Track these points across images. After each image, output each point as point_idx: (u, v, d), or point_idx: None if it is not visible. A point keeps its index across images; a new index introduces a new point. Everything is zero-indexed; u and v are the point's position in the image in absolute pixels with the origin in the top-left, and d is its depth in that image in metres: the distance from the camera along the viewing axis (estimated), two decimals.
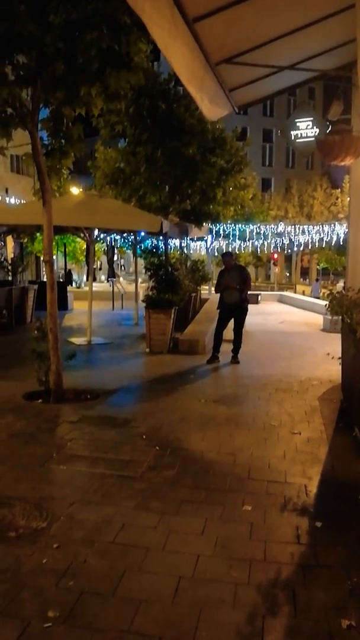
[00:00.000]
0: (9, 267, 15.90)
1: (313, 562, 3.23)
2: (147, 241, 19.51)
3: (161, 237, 15.10)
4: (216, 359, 9.25)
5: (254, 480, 4.42)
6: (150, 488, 4.20)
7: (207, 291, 20.37)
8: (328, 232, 23.35)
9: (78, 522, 3.63)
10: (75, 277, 34.09)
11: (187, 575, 3.05)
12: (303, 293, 32.13)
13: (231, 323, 9.48)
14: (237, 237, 24.37)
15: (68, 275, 32.66)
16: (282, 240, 25.14)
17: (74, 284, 31.23)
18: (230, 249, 25.67)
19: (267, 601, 2.84)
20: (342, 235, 22.76)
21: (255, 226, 24.94)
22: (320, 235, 23.58)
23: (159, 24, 4.01)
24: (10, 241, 22.98)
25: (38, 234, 17.27)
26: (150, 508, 3.86)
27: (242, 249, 26.78)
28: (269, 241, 25.12)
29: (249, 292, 9.50)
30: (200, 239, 22.46)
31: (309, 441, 5.40)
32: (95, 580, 2.99)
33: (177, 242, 20.03)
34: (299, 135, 7.90)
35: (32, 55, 5.85)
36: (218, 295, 9.61)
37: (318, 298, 23.89)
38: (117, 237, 20.59)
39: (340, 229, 22.86)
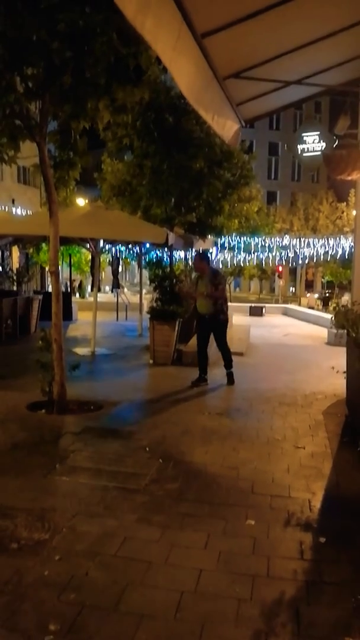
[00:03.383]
0: (14, 277, 15.97)
1: (317, 578, 3.20)
2: (152, 253, 19.57)
3: (166, 249, 15.15)
4: (203, 380, 8.49)
5: (258, 494, 4.39)
6: (153, 501, 4.18)
7: None
8: (333, 245, 23.39)
9: (80, 534, 3.61)
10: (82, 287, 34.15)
11: (189, 590, 3.03)
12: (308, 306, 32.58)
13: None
14: (242, 249, 24.42)
15: (79, 286, 32.73)
16: (287, 253, 25.18)
17: (86, 294, 31.21)
18: (235, 261, 25.72)
19: (270, 618, 2.80)
20: (347, 249, 22.79)
21: (260, 239, 25.00)
22: (325, 248, 23.61)
23: (162, 40, 4.00)
24: (15, 251, 23.09)
25: (43, 245, 17.38)
26: (152, 521, 3.83)
27: (247, 261, 26.83)
28: (273, 254, 25.16)
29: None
30: (205, 251, 22.52)
31: (313, 456, 5.37)
32: (97, 594, 2.96)
33: (182, 253, 20.09)
34: (306, 149, 7.94)
35: (41, 66, 5.89)
36: (208, 306, 8.42)
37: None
38: (122, 249, 20.66)
39: (346, 243, 22.91)
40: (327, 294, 40.68)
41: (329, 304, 34.93)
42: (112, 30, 5.44)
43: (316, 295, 37.16)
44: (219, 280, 8.55)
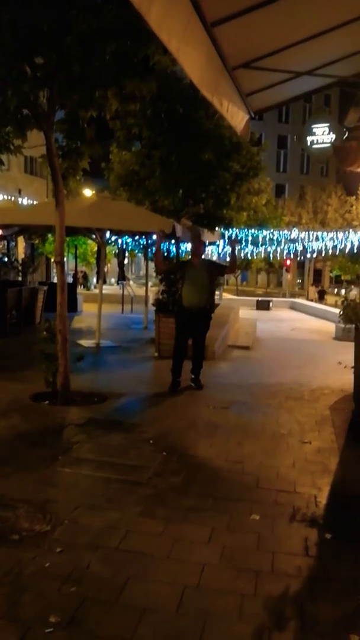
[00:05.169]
0: (20, 268, 15.94)
1: (322, 575, 3.16)
2: None
3: (173, 241, 15.06)
4: (177, 385, 7.61)
5: (263, 489, 4.35)
6: (156, 494, 4.14)
7: (218, 296, 20.31)
8: (342, 239, 23.21)
9: (82, 526, 3.58)
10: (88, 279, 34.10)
11: (192, 584, 2.99)
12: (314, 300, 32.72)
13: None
14: (249, 242, 24.27)
15: (84, 278, 32.67)
16: (295, 246, 25.02)
17: (91, 286, 31.18)
18: (242, 255, 25.57)
19: (274, 614, 2.77)
20: (356, 243, 22.63)
21: (268, 232, 24.85)
22: (334, 242, 23.44)
23: (170, 28, 3.90)
24: (21, 242, 23.06)
25: (49, 235, 17.30)
26: (155, 515, 3.80)
27: (255, 254, 26.70)
28: (282, 247, 25.01)
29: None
30: (212, 243, 22.41)
31: (319, 451, 5.32)
32: (99, 587, 2.93)
33: (189, 246, 19.98)
34: (315, 141, 7.82)
35: (52, 58, 5.84)
36: (204, 298, 7.49)
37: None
38: (129, 240, 20.58)
39: (355, 236, 22.73)
40: (321, 287, 42.59)
41: (324, 298, 35.50)
42: (122, 32, 5.40)
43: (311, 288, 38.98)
44: (221, 266, 8.43)
